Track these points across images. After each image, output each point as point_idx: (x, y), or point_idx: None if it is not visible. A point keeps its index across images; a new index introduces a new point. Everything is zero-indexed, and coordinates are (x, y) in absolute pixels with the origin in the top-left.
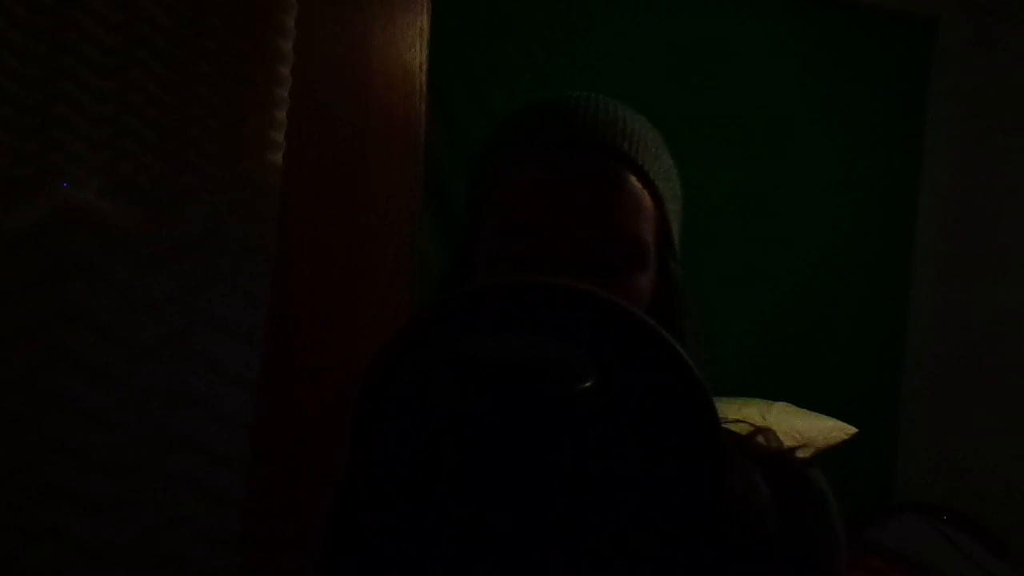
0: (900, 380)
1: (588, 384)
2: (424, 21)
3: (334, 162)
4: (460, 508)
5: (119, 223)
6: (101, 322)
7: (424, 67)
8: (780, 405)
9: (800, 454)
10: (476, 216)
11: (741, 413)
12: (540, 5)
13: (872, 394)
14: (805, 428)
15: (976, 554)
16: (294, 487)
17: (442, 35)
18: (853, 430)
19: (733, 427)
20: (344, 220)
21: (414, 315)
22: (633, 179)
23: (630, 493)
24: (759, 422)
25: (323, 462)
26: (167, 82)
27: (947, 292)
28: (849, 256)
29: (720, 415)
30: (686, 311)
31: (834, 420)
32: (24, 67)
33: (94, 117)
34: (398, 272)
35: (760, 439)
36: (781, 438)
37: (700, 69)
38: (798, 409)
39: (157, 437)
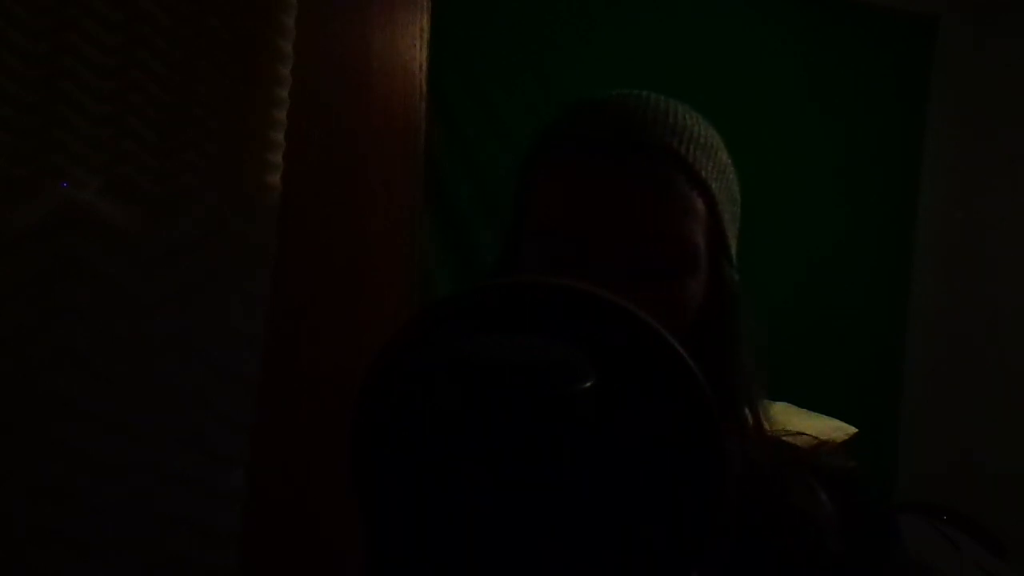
0: (900, 380)
1: (588, 384)
2: (424, 21)
3: (334, 162)
4: (460, 509)
5: (119, 223)
6: (101, 322)
7: (424, 67)
8: (780, 405)
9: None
10: (519, 218)
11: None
12: (540, 5)
13: (872, 394)
14: (805, 428)
15: (976, 554)
16: (294, 487)
17: (442, 35)
18: (853, 430)
19: (795, 440)
20: (344, 220)
21: (414, 315)
22: (682, 178)
23: (631, 494)
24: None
25: (323, 462)
26: (167, 82)
27: (947, 292)
28: (849, 256)
29: (782, 428)
30: (741, 318)
31: (834, 420)
32: (24, 67)
33: (94, 117)
34: (398, 272)
35: (824, 454)
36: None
37: (700, 69)
38: (798, 409)
39: (157, 437)
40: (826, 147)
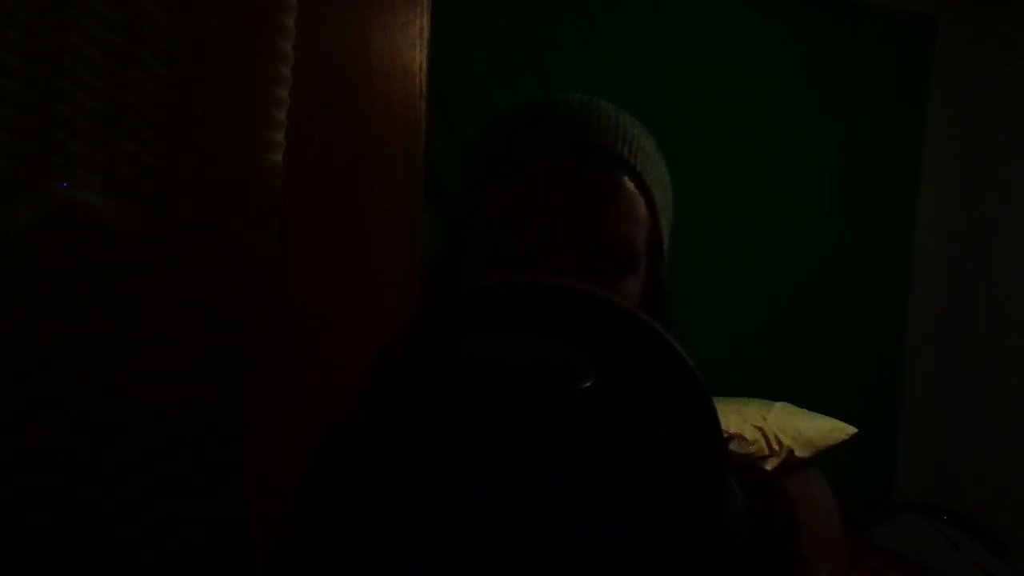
0: (900, 380)
1: (588, 384)
2: (424, 21)
3: (334, 162)
4: (460, 509)
5: (119, 223)
6: (100, 321)
7: (424, 67)
8: (780, 405)
9: (800, 454)
10: (469, 212)
11: (741, 413)
12: (540, 5)
13: (872, 394)
14: (805, 428)
15: (976, 554)
16: (294, 488)
17: (442, 35)
18: (853, 430)
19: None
20: (344, 220)
21: (414, 316)
22: (629, 184)
23: (631, 493)
24: (759, 422)
25: None
26: (167, 82)
27: (947, 292)
28: (849, 256)
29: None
30: (673, 318)
31: (834, 420)
32: (24, 67)
33: (94, 117)
34: (398, 272)
35: (733, 445)
36: (748, 444)
37: (700, 69)
38: (798, 409)
39: (156, 437)
40: (826, 147)
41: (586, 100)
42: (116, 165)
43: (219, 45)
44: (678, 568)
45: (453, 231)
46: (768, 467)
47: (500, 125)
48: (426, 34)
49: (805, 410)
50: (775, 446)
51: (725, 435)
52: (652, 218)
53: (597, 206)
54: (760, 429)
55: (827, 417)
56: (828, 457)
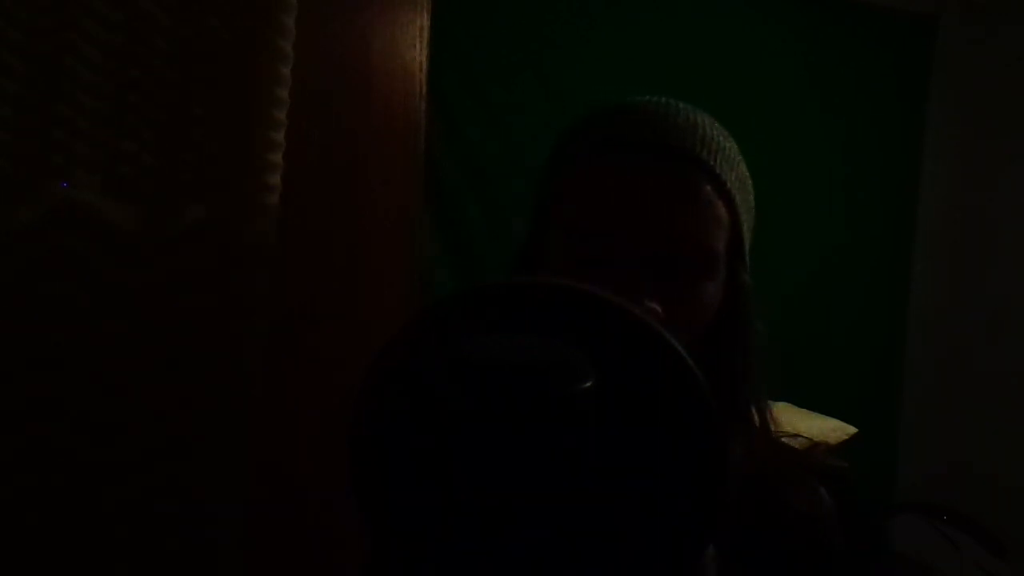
0: (900, 380)
1: (588, 384)
2: (424, 21)
3: (334, 162)
4: (461, 509)
5: (119, 223)
6: (99, 321)
7: (424, 67)
8: (780, 405)
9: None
10: (544, 215)
11: None
12: (540, 5)
13: (872, 394)
14: (805, 428)
15: (976, 554)
16: (293, 488)
17: (442, 35)
18: (853, 430)
19: (792, 442)
20: (344, 220)
21: (414, 316)
22: (708, 187)
23: (632, 493)
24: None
25: (322, 463)
26: (167, 82)
27: (947, 292)
28: (849, 256)
29: (778, 428)
30: (753, 322)
31: (834, 420)
32: (24, 67)
33: (94, 117)
34: (398, 272)
35: (819, 454)
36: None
37: (700, 69)
38: (798, 409)
39: (156, 437)
40: (826, 147)
41: (663, 101)
42: (116, 165)
43: (219, 45)
44: (678, 568)
45: (528, 236)
46: None
47: (577, 126)
48: (426, 34)
49: (805, 410)
50: None
51: (809, 442)
52: (732, 220)
53: (673, 208)
54: None
55: (827, 417)
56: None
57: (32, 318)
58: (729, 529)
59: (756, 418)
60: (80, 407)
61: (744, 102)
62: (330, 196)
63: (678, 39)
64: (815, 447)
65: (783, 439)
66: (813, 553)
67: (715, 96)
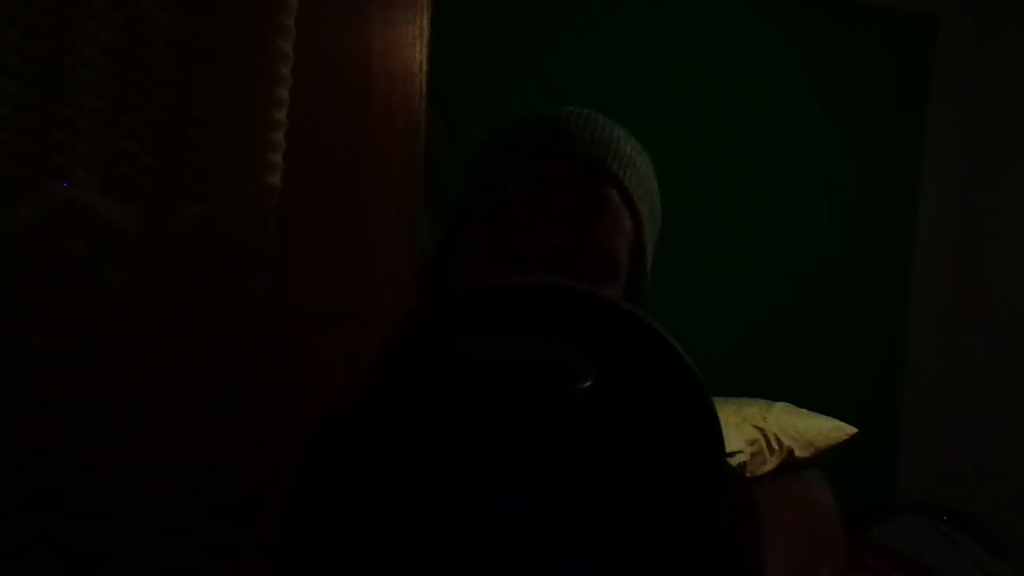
0: (900, 380)
1: (588, 384)
2: (424, 21)
3: (334, 162)
4: (462, 507)
5: (119, 223)
6: (99, 321)
7: (424, 67)
8: (780, 405)
9: (800, 454)
10: (465, 214)
11: (741, 413)
12: (540, 5)
13: (872, 394)
14: (805, 428)
15: (976, 554)
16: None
17: (442, 35)
18: (853, 430)
19: None
20: (344, 220)
21: (413, 317)
22: (617, 198)
23: (631, 492)
24: (759, 422)
25: None
26: (167, 82)
27: (947, 292)
28: (849, 255)
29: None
30: None
31: (834, 420)
32: (24, 67)
33: (94, 117)
34: (398, 272)
35: None
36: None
37: (700, 69)
38: (798, 409)
39: (156, 437)
40: (826, 147)
41: (584, 114)
42: (116, 165)
43: (219, 45)
44: (677, 566)
45: (449, 231)
46: (768, 467)
47: (501, 132)
48: (426, 34)
49: (805, 410)
50: (775, 446)
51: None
52: (636, 231)
53: (582, 213)
54: (760, 429)
55: (827, 417)
56: (828, 457)
57: (32, 318)
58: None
59: None
60: (80, 407)
61: (744, 102)
62: (330, 196)
63: (678, 39)
64: None
65: None
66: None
67: (715, 96)
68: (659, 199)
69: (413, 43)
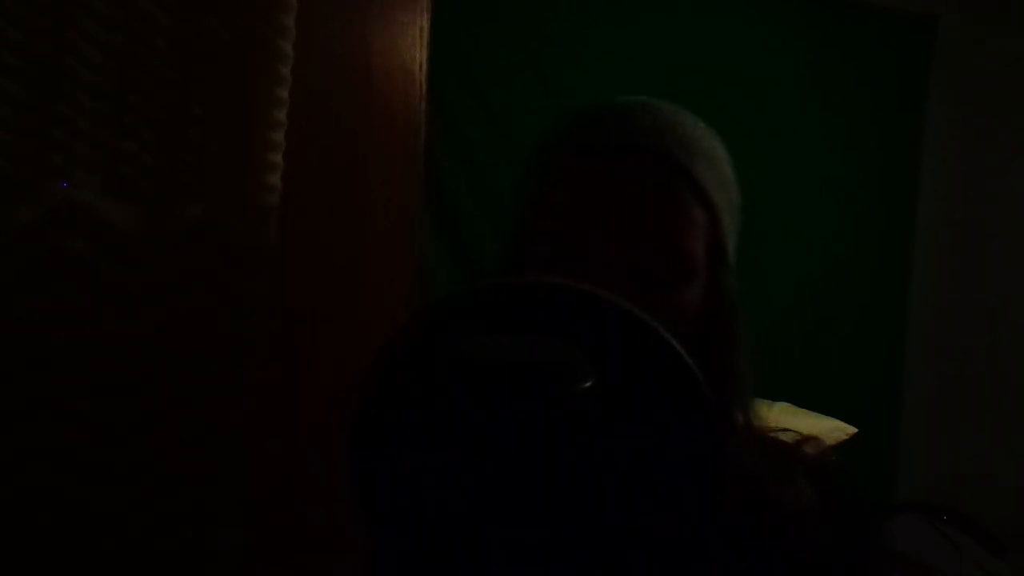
0: (900, 380)
1: (588, 384)
2: (424, 21)
3: (334, 162)
4: (462, 508)
5: (118, 223)
6: (99, 321)
7: (424, 67)
8: (780, 405)
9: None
10: (523, 222)
11: None
12: (540, 5)
13: (872, 394)
14: (805, 428)
15: (976, 554)
16: (293, 488)
17: (442, 35)
18: (853, 430)
19: (781, 436)
20: (344, 220)
21: (414, 316)
22: (684, 189)
23: (632, 493)
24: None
25: (322, 463)
26: (167, 82)
27: (947, 292)
28: (849, 256)
29: (766, 424)
30: (737, 325)
31: (834, 420)
32: (24, 67)
33: (94, 117)
34: (398, 272)
35: (807, 449)
36: (830, 450)
37: (700, 69)
38: (798, 409)
39: (156, 437)
40: (826, 147)
41: (642, 102)
42: (116, 165)
43: (219, 45)
44: (679, 564)
45: (512, 238)
46: None
47: (554, 131)
48: (426, 34)
49: (805, 410)
50: None
51: (798, 437)
52: (712, 223)
53: (645, 212)
54: None
55: (827, 417)
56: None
57: (32, 318)
58: (715, 529)
59: (740, 418)
60: (80, 407)
61: (744, 102)
62: (330, 196)
63: (678, 39)
64: (804, 441)
65: (772, 435)
66: (798, 550)
67: (715, 96)
68: (736, 184)
69: (413, 43)
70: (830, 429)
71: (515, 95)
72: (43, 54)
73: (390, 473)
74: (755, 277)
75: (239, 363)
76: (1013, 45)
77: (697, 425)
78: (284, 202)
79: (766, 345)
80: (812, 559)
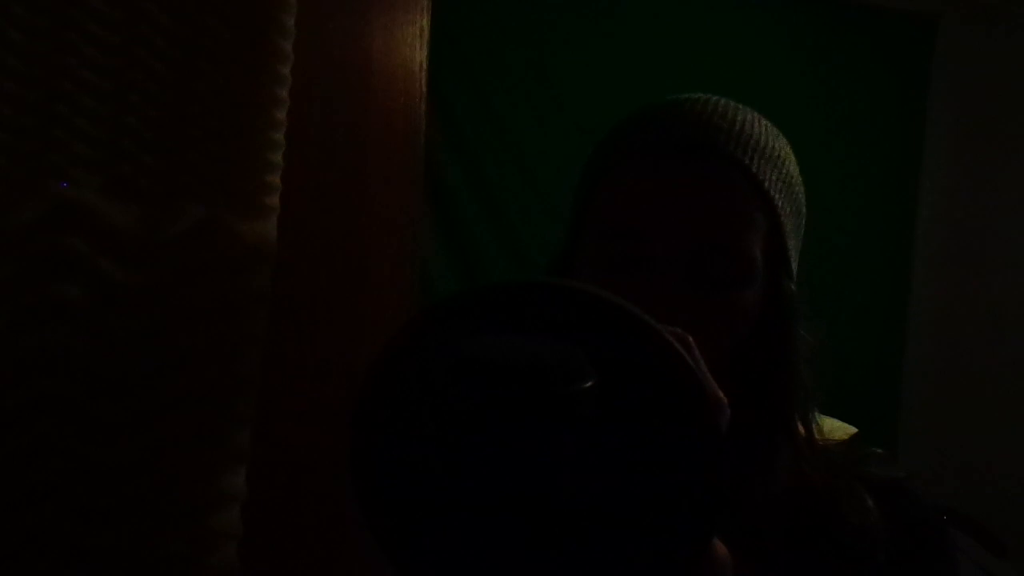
0: (900, 380)
1: (589, 384)
2: (424, 21)
3: (334, 162)
4: (462, 509)
5: (118, 222)
6: (98, 321)
7: (424, 67)
8: None
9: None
10: (580, 216)
11: None
12: (540, 5)
13: (872, 394)
14: None
15: (976, 554)
16: (294, 487)
17: (442, 35)
18: (853, 430)
19: (840, 446)
20: (344, 220)
21: (414, 316)
22: (745, 189)
23: (631, 493)
24: None
25: (322, 463)
26: (167, 82)
27: (947, 292)
28: (849, 256)
29: (829, 436)
30: (797, 330)
31: (834, 420)
32: (24, 67)
33: (94, 117)
34: (398, 272)
35: (875, 465)
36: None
37: (700, 69)
38: None
39: (156, 437)
40: (826, 147)
41: (701, 100)
42: (116, 165)
43: (219, 45)
44: (680, 566)
45: (565, 237)
46: None
47: (614, 129)
48: (426, 34)
49: None
50: None
51: (870, 454)
52: (772, 224)
53: (702, 211)
54: None
55: (827, 417)
56: None
57: (32, 318)
58: (775, 543)
59: (801, 429)
60: (80, 407)
61: (744, 102)
62: (330, 196)
63: (678, 39)
64: (873, 457)
65: (833, 447)
66: (860, 566)
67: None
68: (801, 184)
69: (413, 43)
70: (830, 429)
71: (515, 95)
72: (43, 54)
73: (390, 473)
74: None
75: (239, 363)
76: (1013, 45)
77: (697, 425)
78: (284, 202)
79: (814, 354)
80: None
